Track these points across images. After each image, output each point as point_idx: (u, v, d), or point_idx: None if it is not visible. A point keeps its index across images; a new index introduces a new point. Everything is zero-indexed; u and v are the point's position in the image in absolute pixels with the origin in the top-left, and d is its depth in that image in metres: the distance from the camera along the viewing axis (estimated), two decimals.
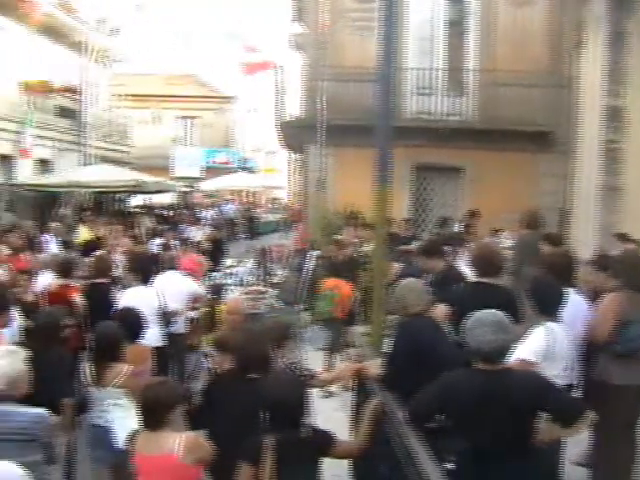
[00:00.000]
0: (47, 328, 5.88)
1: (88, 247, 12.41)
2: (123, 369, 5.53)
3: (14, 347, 4.50)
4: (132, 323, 6.16)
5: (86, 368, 5.61)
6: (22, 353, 4.38)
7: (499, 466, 3.99)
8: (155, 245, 13.96)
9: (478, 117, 17.08)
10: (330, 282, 10.37)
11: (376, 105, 6.23)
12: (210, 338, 7.83)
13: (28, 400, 4.38)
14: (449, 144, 16.58)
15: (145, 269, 8.88)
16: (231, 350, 5.14)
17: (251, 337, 5.21)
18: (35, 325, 6.12)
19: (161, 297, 8.44)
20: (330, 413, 7.41)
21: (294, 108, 19.20)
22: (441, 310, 5.70)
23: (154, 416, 4.26)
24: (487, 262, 6.11)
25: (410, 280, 5.41)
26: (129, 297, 8.13)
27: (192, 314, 9.53)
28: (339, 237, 13.48)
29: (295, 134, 19.23)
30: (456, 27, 17.65)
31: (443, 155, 16.94)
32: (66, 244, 14.11)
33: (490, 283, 5.95)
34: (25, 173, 22.16)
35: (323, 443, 4.29)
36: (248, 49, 20.62)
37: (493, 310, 4.18)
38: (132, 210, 26.67)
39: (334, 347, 9.77)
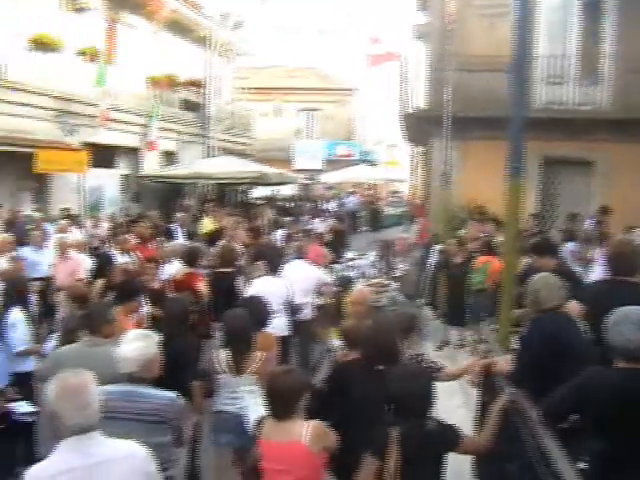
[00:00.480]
0: (176, 315, 6.11)
1: (212, 237, 12.83)
2: (258, 356, 5.73)
3: (148, 331, 4.68)
4: (258, 311, 6.34)
5: (221, 355, 5.82)
6: (155, 337, 4.57)
7: (636, 468, 3.85)
8: (278, 236, 14.23)
9: (613, 106, 16.34)
10: (483, 258, 10.84)
11: (510, 95, 6.10)
12: (335, 329, 7.94)
13: (158, 383, 4.56)
14: (580, 136, 16.00)
15: (273, 259, 9.13)
16: (358, 341, 5.19)
17: (379, 328, 5.23)
18: (165, 312, 6.38)
19: (289, 287, 8.64)
20: (453, 410, 7.34)
21: (418, 100, 19.05)
22: (575, 307, 5.55)
23: (283, 404, 4.37)
24: (624, 260, 5.89)
25: (544, 275, 5.28)
26: (258, 286, 8.36)
27: (318, 301, 9.69)
28: (463, 232, 13.35)
29: (419, 126, 19.10)
30: (591, 10, 16.90)
31: (573, 148, 16.35)
32: (191, 234, 14.59)
33: (627, 281, 5.73)
34: (151, 165, 23.05)
35: (449, 438, 4.27)
36: (373, 40, 20.57)
37: (639, 307, 4.04)
38: (254, 202, 27.25)
39: (490, 313, 9.74)
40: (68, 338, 6.06)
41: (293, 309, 8.72)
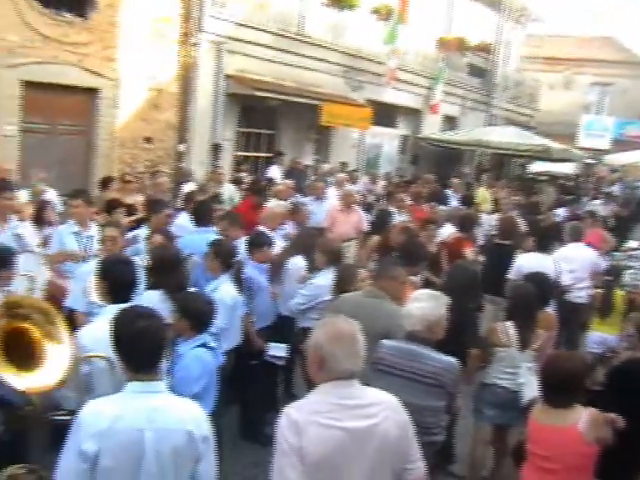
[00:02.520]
0: (464, 280, 6.09)
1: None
2: (540, 333, 5.67)
3: (438, 292, 4.64)
4: (544, 288, 6.18)
5: (509, 327, 5.76)
6: (444, 299, 4.50)
7: None
8: (559, 215, 13.82)
9: None
10: None
11: None
12: (599, 322, 7.60)
13: (438, 346, 4.50)
14: None
15: (545, 236, 8.93)
16: None
17: None
18: (452, 277, 6.38)
19: (558, 268, 8.31)
20: None
21: None
22: None
23: (563, 391, 4.24)
24: None
25: None
26: (523, 261, 8.31)
27: (591, 290, 9.26)
28: None
29: None
30: None
31: None
32: (464, 201, 14.50)
33: None
34: (430, 128, 23.23)
35: None
36: None
37: None
38: (533, 176, 26.50)
39: None
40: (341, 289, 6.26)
41: (559, 291, 8.36)
